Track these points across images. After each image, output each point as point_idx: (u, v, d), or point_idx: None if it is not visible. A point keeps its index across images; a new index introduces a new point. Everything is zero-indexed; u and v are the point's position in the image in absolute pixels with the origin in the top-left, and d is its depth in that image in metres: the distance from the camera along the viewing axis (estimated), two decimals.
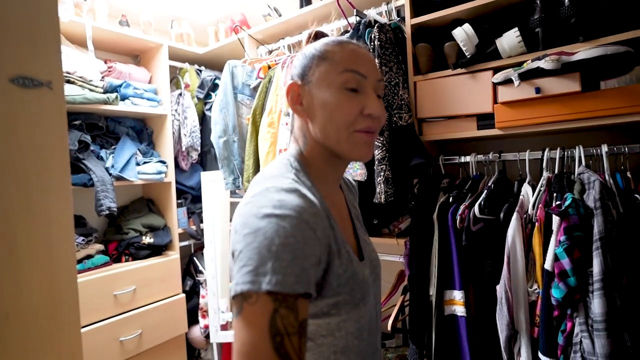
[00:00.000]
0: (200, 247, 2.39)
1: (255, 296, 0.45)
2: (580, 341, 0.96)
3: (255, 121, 1.75)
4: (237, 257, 0.48)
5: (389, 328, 1.43)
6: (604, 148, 1.15)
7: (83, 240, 1.86)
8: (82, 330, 1.67)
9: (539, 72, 1.18)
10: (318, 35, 0.68)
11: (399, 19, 1.55)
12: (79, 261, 1.80)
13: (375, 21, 1.48)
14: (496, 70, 1.31)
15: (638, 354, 0.89)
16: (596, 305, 0.92)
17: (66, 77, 1.77)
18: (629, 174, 1.14)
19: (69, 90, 1.76)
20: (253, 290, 0.45)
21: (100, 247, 1.94)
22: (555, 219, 1.06)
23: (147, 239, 2.07)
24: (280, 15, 2.09)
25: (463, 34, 1.33)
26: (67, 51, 1.84)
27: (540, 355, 1.04)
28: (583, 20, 1.16)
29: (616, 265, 0.96)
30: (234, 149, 1.88)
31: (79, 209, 2.01)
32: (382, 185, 1.30)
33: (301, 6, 1.90)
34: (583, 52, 1.11)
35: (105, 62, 2.08)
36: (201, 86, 2.35)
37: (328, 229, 0.55)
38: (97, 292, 1.77)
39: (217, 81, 2.30)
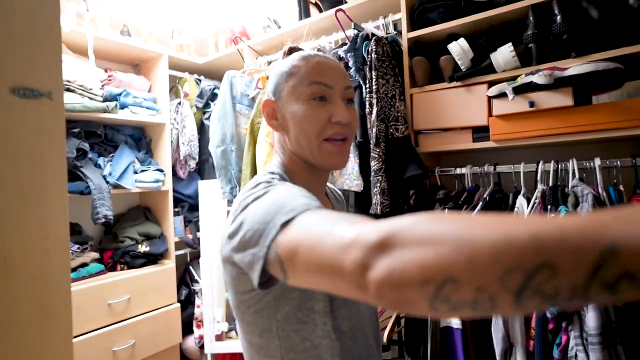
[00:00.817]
0: (196, 256, 2.37)
1: (276, 243, 0.43)
2: (576, 355, 0.96)
3: (253, 131, 1.77)
4: (240, 229, 0.50)
5: (385, 340, 1.42)
6: (597, 161, 1.17)
7: (78, 248, 1.86)
8: (75, 340, 1.65)
9: (533, 87, 1.20)
10: (292, 51, 0.71)
11: (396, 32, 1.58)
12: (74, 269, 1.78)
13: (373, 34, 1.51)
14: (491, 83, 1.33)
15: None
16: (591, 318, 0.92)
17: (66, 85, 1.78)
18: (621, 187, 1.15)
19: (69, 99, 1.77)
20: (270, 245, 0.44)
21: (96, 255, 1.93)
22: None
23: (143, 248, 2.06)
24: (279, 27, 2.13)
25: (458, 49, 1.35)
26: (68, 60, 1.86)
27: None
28: (575, 37, 1.18)
29: None
30: (231, 159, 1.89)
31: (75, 216, 2.00)
32: (379, 197, 1.31)
33: (300, 19, 1.93)
34: (575, 67, 1.13)
35: (106, 71, 2.10)
36: (200, 95, 2.37)
37: None
38: (91, 301, 1.75)
39: (216, 91, 2.32)
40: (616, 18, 1.12)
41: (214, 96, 2.34)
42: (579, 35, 1.18)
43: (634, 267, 0.21)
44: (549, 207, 1.17)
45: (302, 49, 0.73)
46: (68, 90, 1.80)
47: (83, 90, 1.85)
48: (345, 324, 0.60)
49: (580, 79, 1.13)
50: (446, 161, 1.70)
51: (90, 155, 1.93)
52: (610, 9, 1.12)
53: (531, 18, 1.26)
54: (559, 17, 1.20)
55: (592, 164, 1.18)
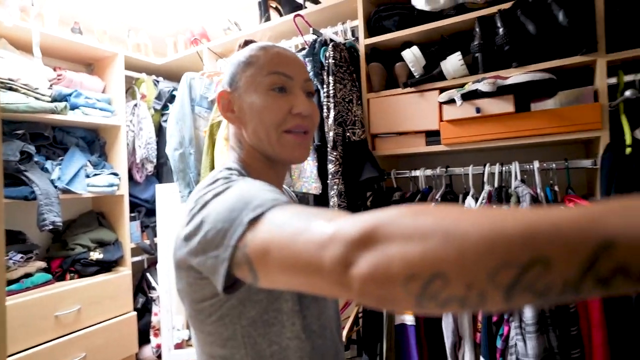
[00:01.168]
0: (154, 262, 2.29)
1: (244, 242, 0.40)
2: (515, 344, 1.03)
3: (212, 134, 1.74)
4: (199, 230, 0.46)
5: (344, 339, 1.44)
6: (536, 164, 1.26)
7: (22, 257, 1.74)
8: (17, 356, 1.54)
9: (479, 94, 1.28)
10: (247, 43, 0.68)
11: (354, 38, 1.62)
12: (16, 280, 1.67)
13: (331, 40, 1.54)
14: (442, 90, 1.40)
15: (563, 353, 0.97)
16: (527, 309, 0.99)
17: (9, 84, 1.67)
18: (556, 188, 1.25)
19: (12, 98, 1.66)
20: (236, 245, 0.40)
21: (42, 264, 1.81)
22: None
23: (96, 255, 1.97)
24: (240, 30, 2.12)
25: (411, 56, 1.41)
26: (10, 57, 1.75)
27: (482, 359, 1.10)
28: (515, 48, 1.27)
29: None
30: (190, 162, 1.85)
31: (19, 223, 1.88)
32: (336, 199, 1.34)
33: (260, 22, 1.93)
34: (515, 77, 1.22)
35: (55, 70, 1.99)
36: (158, 97, 2.30)
37: None
38: (36, 313, 1.64)
39: (175, 92, 2.26)
40: (549, 33, 1.22)
41: (172, 98, 2.28)
42: (519, 47, 1.28)
43: (629, 262, 0.20)
44: (494, 207, 1.25)
45: (256, 42, 0.69)
46: (10, 89, 1.68)
47: (28, 90, 1.74)
48: (315, 322, 0.58)
49: (519, 87, 1.22)
50: (403, 164, 1.76)
51: (36, 159, 1.82)
52: (544, 24, 1.22)
53: (477, 29, 1.34)
54: (501, 30, 1.28)
55: (531, 166, 1.27)
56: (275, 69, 0.59)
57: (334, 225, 0.32)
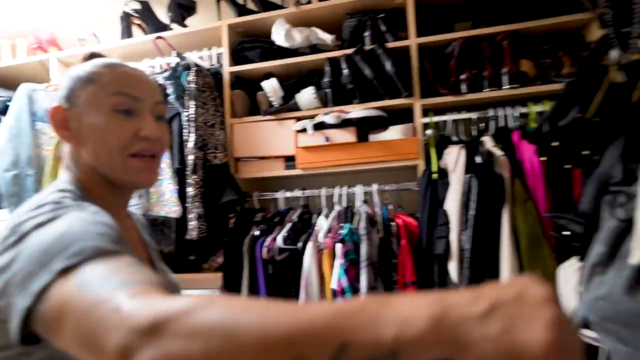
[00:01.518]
0: None
1: (47, 294, 0.36)
2: None
3: (58, 152, 1.56)
4: (8, 268, 0.41)
5: None
6: (374, 187, 1.48)
7: None
8: None
9: (327, 125, 1.45)
10: (94, 56, 0.63)
11: (219, 64, 1.67)
12: None
13: (196, 64, 1.56)
14: (299, 119, 1.54)
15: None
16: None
17: None
18: (390, 207, 1.48)
19: None
20: (38, 295, 0.36)
21: None
22: (338, 245, 1.29)
23: None
24: (100, 42, 1.96)
25: (270, 87, 1.53)
26: None
27: None
28: (357, 87, 1.49)
29: (377, 278, 1.22)
30: (27, 184, 1.61)
31: None
32: (195, 222, 1.33)
33: (122, 37, 1.83)
34: (355, 112, 1.43)
35: None
36: None
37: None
38: None
39: (10, 103, 1.94)
40: (382, 78, 1.47)
41: (7, 109, 1.95)
42: (360, 87, 1.50)
43: (356, 358, 0.25)
44: (341, 224, 1.41)
45: (105, 56, 0.64)
46: None
47: None
48: None
49: (360, 121, 1.43)
50: (267, 186, 1.84)
51: None
52: (377, 70, 1.46)
53: (327, 68, 1.53)
54: (346, 71, 1.49)
55: (371, 188, 1.49)
56: (120, 90, 0.57)
57: (131, 306, 0.31)
